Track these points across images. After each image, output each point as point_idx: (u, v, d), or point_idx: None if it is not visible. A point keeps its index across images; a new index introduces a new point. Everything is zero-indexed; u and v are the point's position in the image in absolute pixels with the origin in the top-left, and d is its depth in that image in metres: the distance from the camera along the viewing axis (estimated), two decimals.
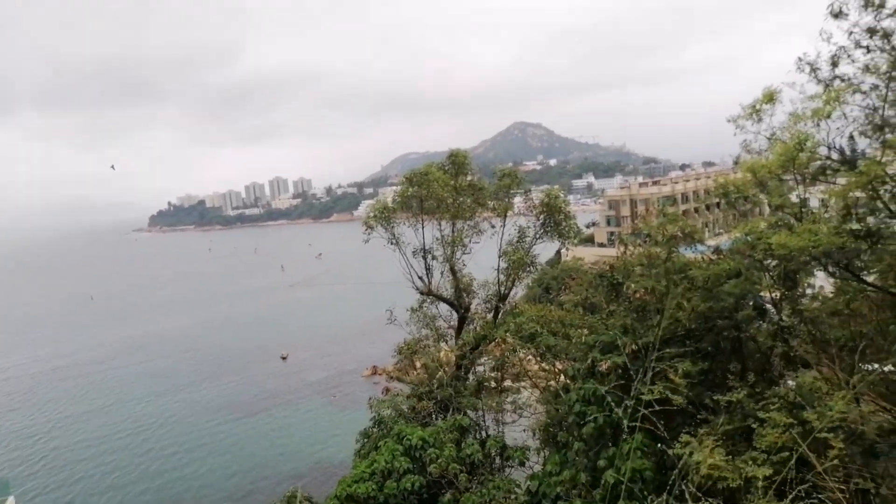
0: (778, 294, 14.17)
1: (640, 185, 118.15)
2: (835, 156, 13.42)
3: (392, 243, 25.99)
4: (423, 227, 26.42)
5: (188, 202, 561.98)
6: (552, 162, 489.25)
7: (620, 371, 13.27)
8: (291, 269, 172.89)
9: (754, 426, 11.30)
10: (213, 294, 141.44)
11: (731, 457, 10.54)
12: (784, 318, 14.07)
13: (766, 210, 17.60)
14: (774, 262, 13.89)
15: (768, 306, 14.45)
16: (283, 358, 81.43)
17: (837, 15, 11.96)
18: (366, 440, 21.06)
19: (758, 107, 13.75)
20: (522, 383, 23.03)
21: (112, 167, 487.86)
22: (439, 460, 16.24)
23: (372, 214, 25.93)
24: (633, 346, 13.27)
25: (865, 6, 11.75)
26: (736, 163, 16.62)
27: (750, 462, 10.09)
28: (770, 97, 13.52)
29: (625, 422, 10.65)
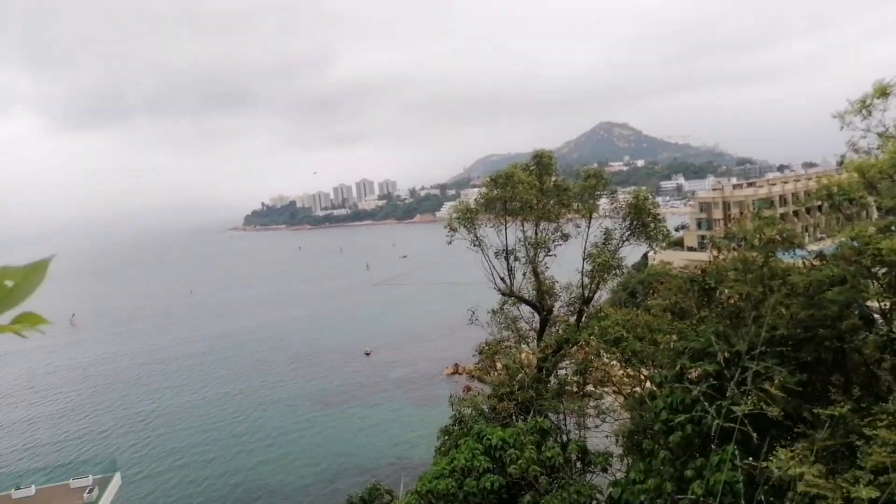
0: (887, 303, 13.22)
1: (734, 186, 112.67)
2: None
3: (475, 245, 26.08)
4: (506, 229, 26.36)
5: (280, 203, 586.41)
6: (639, 163, 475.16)
7: (711, 379, 12.77)
8: (376, 268, 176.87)
9: (858, 443, 10.62)
10: (302, 291, 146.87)
11: (831, 475, 9.96)
12: (894, 329, 13.11)
13: (875, 213, 16.46)
14: (884, 269, 12.97)
15: (876, 316, 13.51)
16: (367, 354, 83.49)
17: None
18: (446, 438, 21.27)
19: (868, 101, 12.91)
20: (605, 388, 22.59)
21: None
22: (519, 461, 16.20)
23: (455, 216, 26.11)
24: (726, 354, 12.73)
25: None
26: (841, 163, 15.65)
27: (853, 481, 9.50)
28: (882, 91, 12.65)
29: (715, 431, 10.26)
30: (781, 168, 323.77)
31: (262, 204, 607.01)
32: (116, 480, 36.75)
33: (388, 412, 61.13)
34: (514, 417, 21.11)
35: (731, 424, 11.33)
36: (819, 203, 16.45)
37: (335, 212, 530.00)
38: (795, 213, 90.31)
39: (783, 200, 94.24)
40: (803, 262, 14.35)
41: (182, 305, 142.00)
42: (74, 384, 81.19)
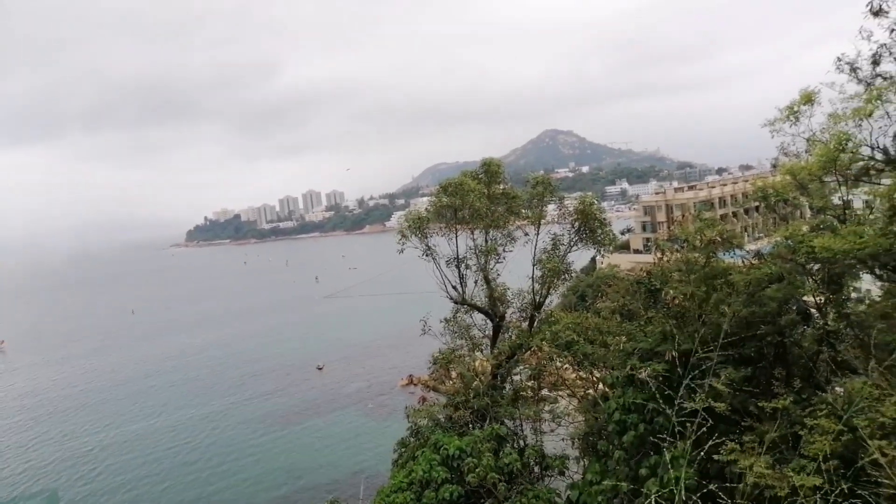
0: (822, 298, 13.84)
1: (676, 190, 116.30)
2: (878, 156, 13.10)
3: (426, 254, 26.06)
4: (457, 237, 26.44)
5: (224, 217, 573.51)
6: (584, 168, 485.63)
7: (661, 379, 13.08)
8: (325, 280, 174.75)
9: (801, 433, 11.03)
10: (248, 307, 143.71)
11: (777, 465, 10.31)
12: (829, 322, 13.72)
13: (808, 213, 17.24)
14: (818, 266, 13.58)
15: (812, 311, 14.11)
16: (319, 369, 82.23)
17: (878, 13, 11.72)
18: (403, 450, 21.10)
19: (795, 108, 13.53)
20: (560, 392, 22.86)
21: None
22: (477, 470, 16.19)
23: (406, 224, 26.05)
24: (673, 353, 13.07)
25: None
26: (774, 166, 16.34)
27: (798, 470, 9.85)
28: (808, 98, 13.29)
29: (668, 429, 10.49)
30: (720, 171, 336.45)
31: (205, 218, 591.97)
32: None
33: (345, 427, 60.29)
34: (470, 426, 21.11)
35: (683, 421, 11.63)
36: (756, 204, 17.15)
37: (282, 224, 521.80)
38: (734, 214, 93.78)
39: (722, 202, 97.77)
40: (743, 262, 14.90)
41: (123, 326, 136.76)
42: (11, 415, 77.01)
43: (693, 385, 12.11)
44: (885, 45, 12.09)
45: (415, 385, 66.68)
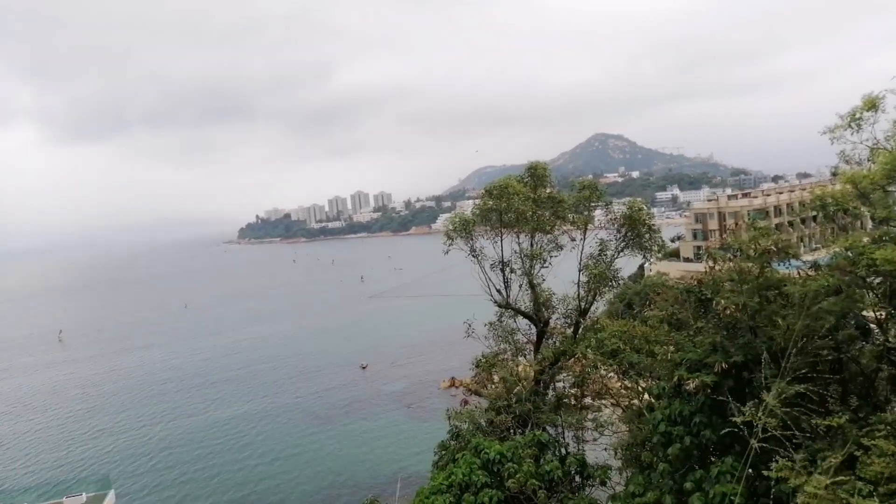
0: (883, 313, 13.25)
1: (729, 197, 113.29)
2: None
3: (471, 256, 26.06)
4: (501, 240, 26.36)
5: (275, 216, 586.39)
6: (634, 174, 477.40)
7: (709, 390, 12.74)
8: (372, 281, 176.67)
9: (858, 454, 10.60)
10: (296, 305, 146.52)
11: (831, 486, 9.92)
12: (890, 339, 13.13)
13: (869, 223, 16.52)
14: (879, 279, 13.01)
15: (872, 326, 13.52)
16: (363, 368, 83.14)
17: None
18: (444, 452, 21.12)
19: (857, 115, 13.02)
20: (604, 401, 22.51)
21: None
22: (518, 475, 16.07)
23: (452, 227, 26.10)
24: (724, 365, 12.71)
25: None
26: (834, 174, 15.75)
27: (853, 492, 9.46)
28: (871, 104, 12.77)
29: (715, 444, 10.21)
30: (776, 179, 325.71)
31: (257, 217, 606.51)
32: (111, 498, 36.42)
33: (386, 426, 60.81)
34: (511, 431, 21.01)
35: (732, 435, 11.31)
36: (814, 213, 16.55)
37: (330, 224, 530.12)
38: (790, 224, 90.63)
39: (778, 211, 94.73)
40: (798, 273, 14.38)
41: (177, 320, 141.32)
42: (72, 402, 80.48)
43: (743, 399, 11.77)
44: None
45: (457, 387, 66.76)
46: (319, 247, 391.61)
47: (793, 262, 14.96)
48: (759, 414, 10.98)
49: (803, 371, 12.38)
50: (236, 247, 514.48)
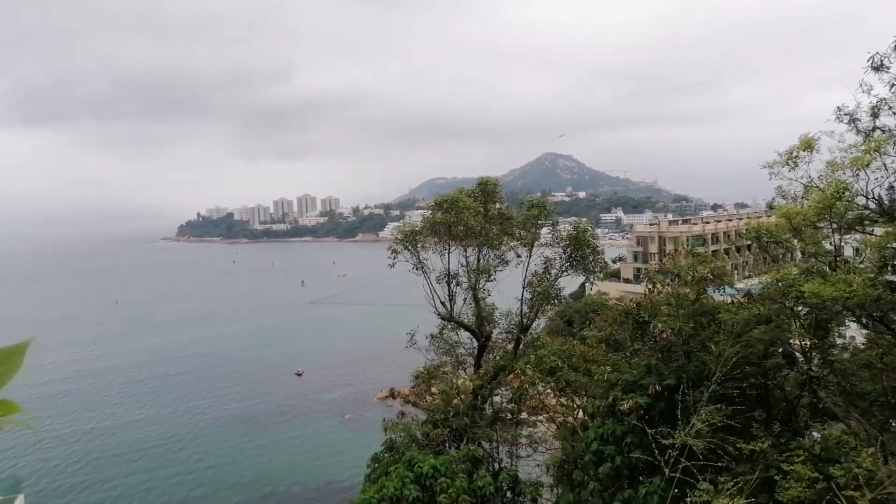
0: (808, 343, 13.87)
1: (670, 222, 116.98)
2: (873, 206, 13.20)
3: (417, 267, 25.98)
4: (449, 254, 26.39)
5: (217, 214, 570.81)
6: (581, 194, 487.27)
7: (642, 412, 13.01)
8: (314, 286, 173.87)
9: (777, 478, 10.98)
10: (233, 307, 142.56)
11: None
12: (813, 368, 13.74)
13: (798, 256, 17.32)
14: (806, 310, 13.62)
15: (797, 355, 14.13)
16: (299, 374, 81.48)
17: (878, 68, 11.87)
18: (376, 465, 20.85)
19: (794, 153, 13.65)
20: (539, 417, 22.72)
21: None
22: (450, 490, 16.00)
23: (399, 237, 25.98)
24: (657, 388, 13.01)
25: None
26: (770, 207, 16.44)
27: None
28: (808, 144, 13.41)
29: (645, 464, 10.38)
30: (715, 207, 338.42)
31: (198, 214, 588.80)
32: (20, 502, 34.34)
33: (319, 436, 59.61)
34: (447, 445, 20.91)
35: (660, 456, 11.54)
36: (748, 243, 17.23)
37: (274, 226, 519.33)
38: (726, 251, 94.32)
39: (715, 238, 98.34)
40: (732, 300, 14.91)
41: (106, 317, 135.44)
42: None
43: (673, 421, 12.05)
44: (884, 99, 12.24)
45: (394, 398, 66.21)
46: (262, 248, 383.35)
47: (727, 289, 15.52)
48: (687, 436, 11.27)
49: (733, 396, 12.80)
50: (174, 244, 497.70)
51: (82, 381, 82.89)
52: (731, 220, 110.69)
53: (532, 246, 26.07)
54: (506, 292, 26.79)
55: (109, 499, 48.01)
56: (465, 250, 26.27)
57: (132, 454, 56.58)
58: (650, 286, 16.54)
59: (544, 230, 26.76)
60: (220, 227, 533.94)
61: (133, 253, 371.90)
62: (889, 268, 12.58)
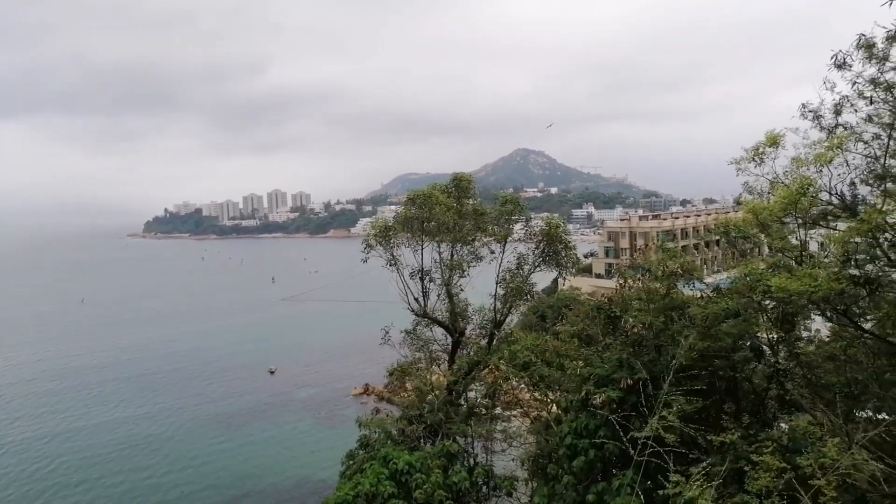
0: (775, 336, 14.18)
1: (641, 218, 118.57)
2: (836, 201, 13.54)
3: (391, 264, 25.90)
4: (422, 249, 26.36)
5: (185, 210, 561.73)
6: (553, 190, 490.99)
7: (614, 405, 13.19)
8: (285, 283, 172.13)
9: (746, 468, 11.22)
10: (202, 304, 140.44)
11: (721, 498, 10.43)
12: (780, 360, 14.06)
13: (766, 251, 17.71)
14: (773, 304, 13.92)
15: (765, 348, 14.44)
16: (272, 372, 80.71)
17: (841, 66, 12.14)
18: (351, 462, 20.78)
19: (760, 150, 13.90)
20: (514, 412, 22.87)
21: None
22: (425, 486, 16.04)
23: (372, 233, 25.87)
24: (629, 381, 13.19)
25: (869, 59, 11.95)
26: (737, 202, 16.77)
27: None
28: (773, 141, 13.67)
29: (618, 457, 10.52)
30: (684, 203, 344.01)
31: (166, 210, 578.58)
32: None
33: (293, 434, 59.15)
34: (422, 440, 20.95)
35: (633, 449, 11.70)
36: (717, 238, 17.58)
37: (244, 222, 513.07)
38: (695, 246, 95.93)
39: (684, 233, 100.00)
40: (702, 295, 15.17)
41: (71, 315, 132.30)
42: None
43: (645, 414, 12.22)
44: (846, 96, 12.54)
45: (369, 395, 66.03)
46: (231, 245, 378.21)
47: (696, 283, 15.79)
48: (658, 428, 11.44)
49: (702, 388, 13.04)
50: (140, 240, 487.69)
51: (50, 381, 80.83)
52: (699, 216, 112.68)
53: (505, 242, 26.18)
54: (479, 288, 26.84)
55: (83, 502, 46.96)
56: (439, 246, 26.27)
57: (104, 456, 55.35)
58: (621, 281, 16.76)
59: (517, 226, 26.89)
60: (188, 223, 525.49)
61: (101, 248, 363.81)
62: (852, 262, 12.92)
